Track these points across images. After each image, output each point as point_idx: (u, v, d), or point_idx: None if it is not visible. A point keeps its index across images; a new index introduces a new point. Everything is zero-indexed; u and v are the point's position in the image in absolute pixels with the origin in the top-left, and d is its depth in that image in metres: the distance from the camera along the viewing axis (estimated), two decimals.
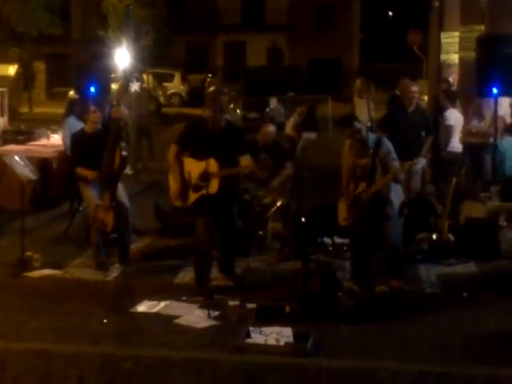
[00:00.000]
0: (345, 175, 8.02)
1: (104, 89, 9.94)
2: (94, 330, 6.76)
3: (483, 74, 10.13)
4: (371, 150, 7.73)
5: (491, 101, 10.76)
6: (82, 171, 8.57)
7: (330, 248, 9.19)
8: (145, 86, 18.52)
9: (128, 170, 14.16)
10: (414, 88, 10.42)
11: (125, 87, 12.32)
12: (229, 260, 8.19)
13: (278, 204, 9.19)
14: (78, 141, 8.83)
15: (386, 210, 7.81)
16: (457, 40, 24.15)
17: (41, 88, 37.45)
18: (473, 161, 11.56)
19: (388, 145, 7.89)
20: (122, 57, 16.77)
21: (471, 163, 11.55)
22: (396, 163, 7.81)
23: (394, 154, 7.86)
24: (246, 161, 7.78)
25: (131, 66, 16.23)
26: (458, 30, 23.69)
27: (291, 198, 9.41)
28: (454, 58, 24.86)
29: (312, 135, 14.42)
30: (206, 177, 7.61)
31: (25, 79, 30.83)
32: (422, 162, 10.32)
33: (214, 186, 7.62)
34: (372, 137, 7.94)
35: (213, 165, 7.61)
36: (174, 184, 7.87)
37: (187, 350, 6.37)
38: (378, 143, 7.80)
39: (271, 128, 9.82)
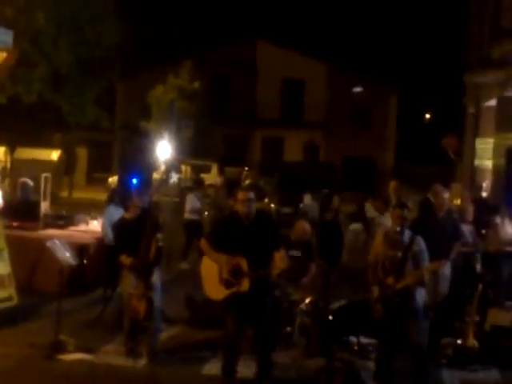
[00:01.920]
0: (371, 265, 8.16)
1: (146, 180, 10.35)
2: None
3: None
4: (405, 245, 7.94)
5: None
6: (123, 258, 8.80)
7: (356, 347, 9.32)
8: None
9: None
10: (446, 195, 10.64)
11: (165, 179, 12.74)
12: (266, 360, 8.08)
13: (307, 301, 9.38)
14: (119, 228, 9.13)
15: (412, 306, 7.96)
16: (491, 146, 24.55)
17: (81, 173, 38.36)
18: (504, 269, 11.59)
19: (422, 244, 8.07)
20: (164, 148, 17.37)
21: (502, 272, 11.59)
22: (426, 263, 8.00)
23: (426, 255, 8.04)
24: (280, 257, 7.73)
25: (172, 158, 16.74)
26: (493, 136, 24.12)
27: (320, 296, 9.59)
28: (488, 163, 25.22)
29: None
30: (237, 274, 7.74)
31: (66, 164, 31.66)
32: (449, 268, 10.49)
33: (245, 285, 7.72)
34: (408, 233, 8.15)
35: (244, 264, 7.71)
36: (209, 272, 7.94)
37: None
38: (413, 239, 8.02)
39: (308, 226, 10.09)
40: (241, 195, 7.96)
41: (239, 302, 7.81)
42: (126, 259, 8.79)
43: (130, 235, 8.78)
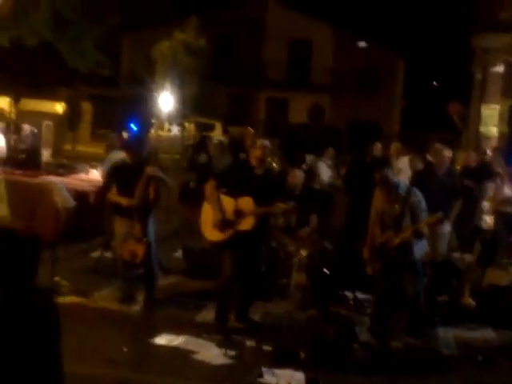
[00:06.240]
0: (372, 221, 8.14)
1: (144, 128, 10.26)
2: (113, 355, 6.93)
3: None
4: (402, 198, 7.87)
5: None
6: (116, 198, 8.66)
7: (351, 302, 9.31)
8: None
9: None
10: (447, 153, 10.55)
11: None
12: (246, 304, 8.28)
13: (303, 253, 9.35)
14: (116, 168, 8.97)
15: (410, 260, 7.92)
16: (497, 113, 24.48)
17: (85, 128, 38.14)
18: (504, 229, 11.59)
19: (419, 195, 7.98)
20: (166, 101, 17.20)
21: (502, 231, 11.57)
22: (425, 214, 7.93)
23: (424, 205, 7.94)
24: (282, 203, 7.87)
25: (175, 111, 16.54)
26: (499, 102, 24.04)
27: (316, 249, 9.56)
28: (493, 130, 25.14)
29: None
30: (240, 213, 7.80)
31: (71, 118, 31.49)
32: (448, 227, 10.47)
33: (248, 222, 7.78)
34: (404, 185, 8.08)
35: (249, 202, 7.79)
36: (210, 215, 7.99)
37: (200, 383, 6.53)
38: (409, 192, 7.94)
39: (299, 172, 10.06)
40: (258, 141, 8.39)
41: (238, 243, 7.84)
42: (115, 197, 8.67)
43: (127, 177, 8.60)
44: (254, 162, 8.06)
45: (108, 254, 10.38)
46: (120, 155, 10.31)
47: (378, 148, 12.69)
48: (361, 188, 10.73)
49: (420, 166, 12.13)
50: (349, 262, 9.48)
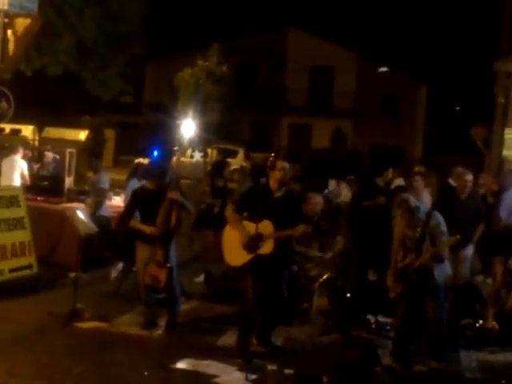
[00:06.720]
0: (394, 245, 8.14)
1: (166, 154, 10.33)
2: (134, 380, 6.95)
3: None
4: (422, 222, 7.86)
5: None
6: (139, 225, 8.71)
7: (373, 326, 9.26)
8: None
9: None
10: (469, 177, 10.53)
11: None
12: (268, 328, 8.28)
13: (325, 277, 9.33)
14: (136, 195, 9.01)
15: (431, 283, 7.89)
16: None
17: (109, 155, 38.41)
18: None
19: (439, 218, 7.98)
20: (188, 127, 17.28)
21: None
22: (445, 237, 7.92)
23: (444, 228, 7.94)
24: (300, 228, 7.88)
25: (197, 137, 16.62)
26: None
27: (338, 273, 9.53)
28: None
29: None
30: (260, 237, 7.83)
31: (94, 145, 31.71)
32: (471, 250, 10.42)
33: (268, 246, 7.80)
34: (424, 209, 8.08)
35: (268, 226, 7.81)
36: (231, 240, 8.03)
37: None
38: (429, 215, 7.93)
39: (318, 198, 10.02)
40: (278, 163, 8.14)
41: (259, 267, 7.84)
42: (137, 225, 8.70)
43: (149, 203, 8.64)
44: (273, 185, 8.09)
45: (130, 279, 10.42)
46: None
47: (388, 172, 12.70)
48: (370, 211, 10.73)
49: (420, 184, 12.02)
50: (365, 285, 9.47)
